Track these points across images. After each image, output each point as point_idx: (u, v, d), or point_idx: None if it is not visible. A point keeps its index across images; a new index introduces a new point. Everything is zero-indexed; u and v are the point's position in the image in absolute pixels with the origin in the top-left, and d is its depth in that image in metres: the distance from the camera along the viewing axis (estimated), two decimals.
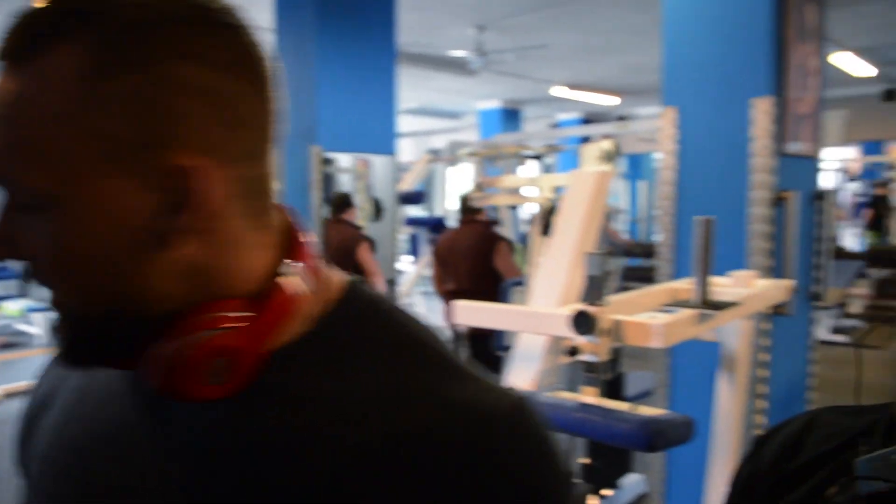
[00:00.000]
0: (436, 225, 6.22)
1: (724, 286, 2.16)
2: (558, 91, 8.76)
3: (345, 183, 5.07)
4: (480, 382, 0.54)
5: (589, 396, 1.64)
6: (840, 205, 11.05)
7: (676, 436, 1.55)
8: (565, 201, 2.02)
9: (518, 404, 0.53)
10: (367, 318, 0.57)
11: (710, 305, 1.75)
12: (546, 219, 3.79)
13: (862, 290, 8.84)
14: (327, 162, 4.58)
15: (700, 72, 3.11)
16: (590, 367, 1.61)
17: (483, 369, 0.56)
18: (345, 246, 4.46)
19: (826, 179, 10.01)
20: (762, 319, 3.03)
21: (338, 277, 0.60)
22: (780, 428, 0.82)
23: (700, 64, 3.11)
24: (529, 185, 5.45)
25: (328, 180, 4.70)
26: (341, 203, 4.62)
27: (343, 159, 4.88)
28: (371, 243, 4.53)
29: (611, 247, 4.54)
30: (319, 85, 4.40)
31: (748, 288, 2.15)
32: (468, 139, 8.83)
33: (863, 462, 0.68)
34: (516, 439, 0.51)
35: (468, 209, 4.33)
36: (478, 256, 4.18)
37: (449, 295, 4.22)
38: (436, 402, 0.51)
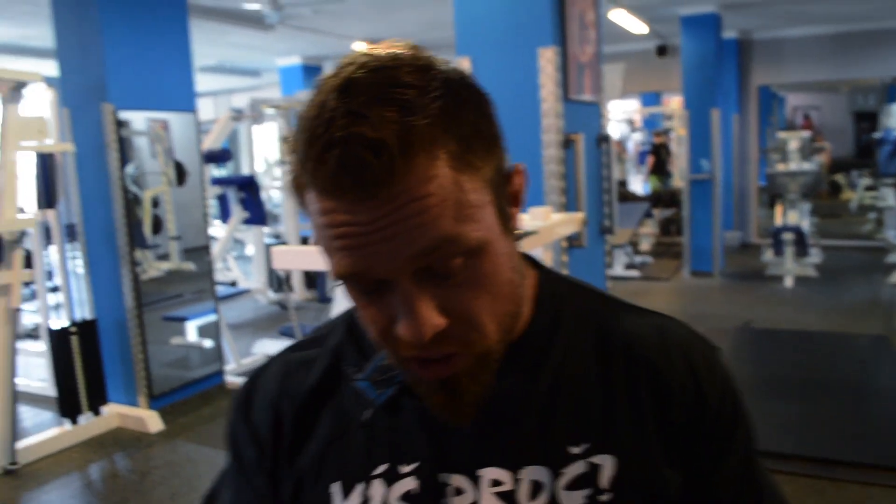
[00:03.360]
0: (245, 183, 6.04)
1: (524, 220, 2.35)
2: (359, 47, 8.75)
3: (143, 147, 4.73)
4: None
5: None
6: (627, 152, 12.12)
7: None
8: None
9: None
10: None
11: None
12: None
13: (649, 229, 9.79)
14: (120, 124, 4.27)
15: (490, 23, 3.28)
16: None
17: None
18: None
19: (613, 130, 10.88)
20: (562, 252, 3.31)
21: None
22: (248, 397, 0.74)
23: (489, 15, 3.27)
24: None
25: (123, 144, 4.39)
26: None
27: (136, 121, 4.54)
28: None
29: None
30: (105, 36, 4.09)
31: (545, 221, 2.35)
32: (270, 97, 8.61)
33: (365, 383, 0.66)
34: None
35: None
36: None
37: None
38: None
